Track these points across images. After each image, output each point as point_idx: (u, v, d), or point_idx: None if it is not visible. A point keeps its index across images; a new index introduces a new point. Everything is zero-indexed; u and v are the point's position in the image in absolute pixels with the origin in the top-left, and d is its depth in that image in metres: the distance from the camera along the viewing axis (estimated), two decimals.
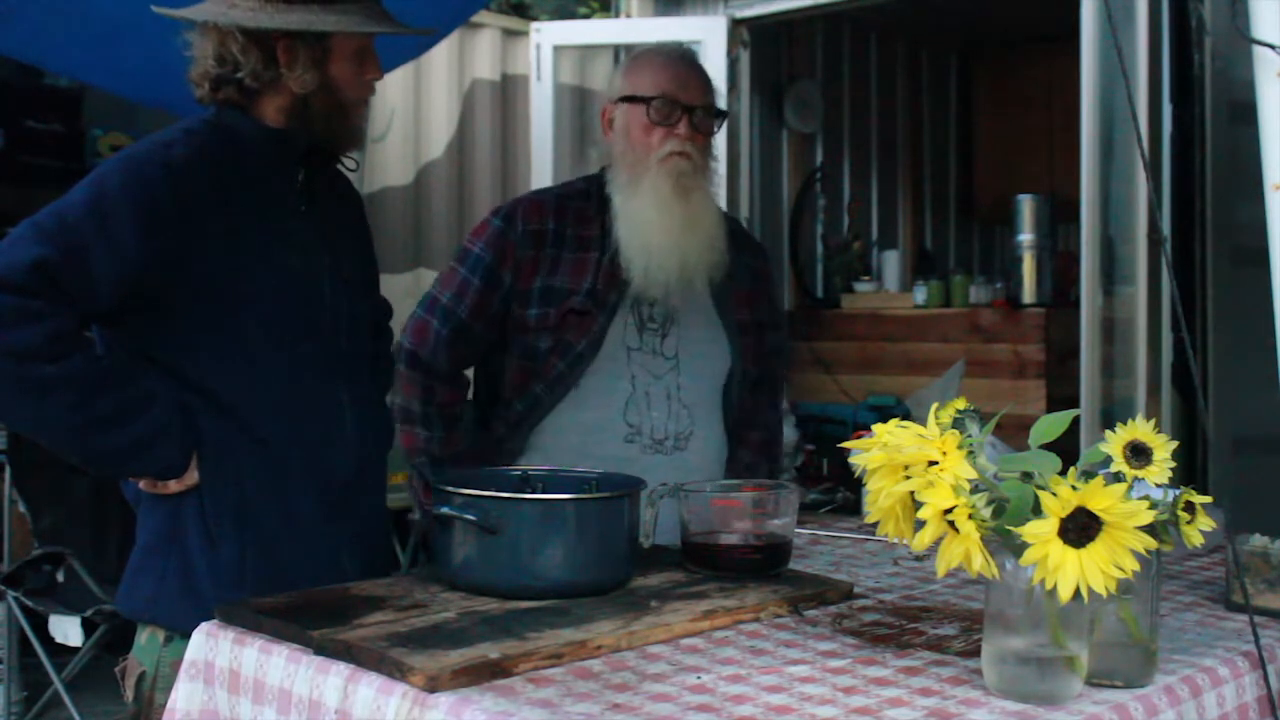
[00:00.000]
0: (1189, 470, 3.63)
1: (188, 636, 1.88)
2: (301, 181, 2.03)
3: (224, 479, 1.91)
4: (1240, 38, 1.61)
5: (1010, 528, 1.30)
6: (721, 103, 2.42)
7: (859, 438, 1.40)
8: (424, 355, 2.35)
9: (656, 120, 2.31)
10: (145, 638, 1.97)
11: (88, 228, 1.79)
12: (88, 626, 3.79)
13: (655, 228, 2.28)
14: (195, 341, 1.91)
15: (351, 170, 2.18)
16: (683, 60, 2.40)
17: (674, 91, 2.31)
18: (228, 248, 1.91)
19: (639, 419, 2.32)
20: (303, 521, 1.97)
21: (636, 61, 2.41)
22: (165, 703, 1.87)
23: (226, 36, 1.94)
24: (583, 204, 2.38)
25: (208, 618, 1.67)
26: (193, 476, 1.90)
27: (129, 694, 1.96)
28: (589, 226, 2.35)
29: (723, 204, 4.03)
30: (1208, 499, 1.43)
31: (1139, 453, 1.39)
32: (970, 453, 1.33)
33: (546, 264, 2.33)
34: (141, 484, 1.95)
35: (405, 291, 5.79)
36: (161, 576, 1.93)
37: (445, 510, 1.68)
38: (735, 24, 4.94)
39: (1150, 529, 1.28)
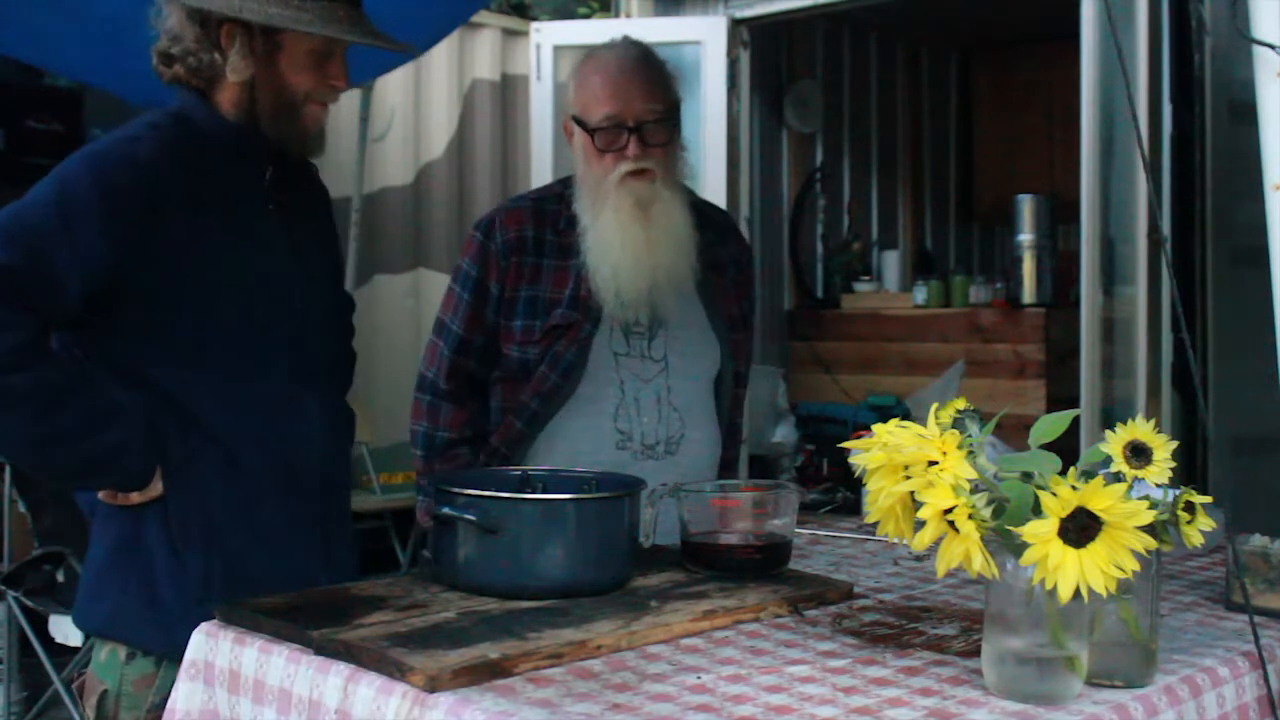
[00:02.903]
0: (1189, 470, 3.63)
1: (150, 654, 1.84)
2: (269, 180, 1.97)
3: (189, 489, 1.85)
4: (1240, 38, 1.61)
5: (1010, 528, 1.30)
6: (673, 95, 2.33)
7: (859, 438, 1.40)
8: (430, 376, 2.38)
9: (603, 148, 2.27)
10: (105, 654, 1.90)
11: (52, 230, 1.73)
12: None
13: (619, 250, 2.26)
14: (159, 345, 1.85)
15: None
16: (622, 70, 2.29)
17: (617, 111, 2.25)
18: (194, 249, 1.85)
19: (629, 425, 2.32)
20: (270, 530, 1.92)
21: (581, 75, 2.33)
22: None
23: (182, 12, 1.88)
24: (559, 208, 2.36)
25: (172, 633, 1.62)
26: (156, 487, 1.84)
27: (90, 713, 1.90)
28: (569, 233, 2.33)
29: (722, 204, 4.05)
30: (1208, 499, 1.43)
31: (1139, 453, 1.39)
32: (970, 453, 1.33)
33: (528, 272, 2.32)
34: (101, 495, 1.88)
35: (405, 291, 5.81)
36: (122, 591, 1.87)
37: (445, 510, 1.68)
38: (735, 24, 4.94)
39: (1150, 529, 1.28)
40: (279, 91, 1.93)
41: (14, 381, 1.70)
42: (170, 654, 1.76)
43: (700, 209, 2.44)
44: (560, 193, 2.39)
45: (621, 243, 2.26)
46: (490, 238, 2.35)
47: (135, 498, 1.85)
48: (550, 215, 2.36)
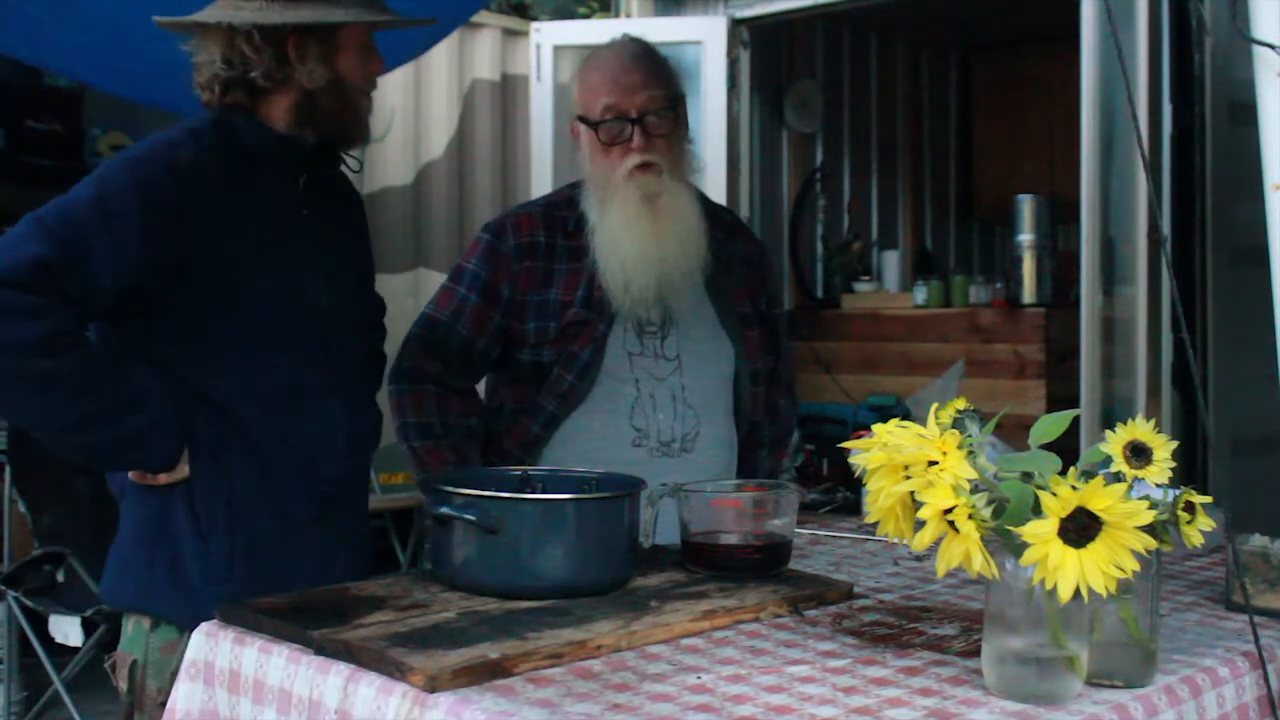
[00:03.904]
0: (1189, 470, 3.63)
1: (174, 622, 1.91)
2: (303, 185, 2.03)
3: (216, 475, 1.92)
4: (1240, 38, 1.61)
5: (1010, 528, 1.30)
6: (675, 88, 2.35)
7: (859, 438, 1.40)
8: (432, 370, 2.34)
9: (607, 141, 2.29)
10: (132, 627, 1.98)
11: (92, 228, 1.80)
12: (88, 626, 3.79)
13: (627, 244, 2.27)
14: (191, 342, 1.92)
15: (355, 171, 2.17)
16: (621, 64, 2.32)
17: (618, 103, 2.27)
18: (227, 250, 1.91)
19: (645, 423, 2.32)
20: (293, 520, 1.98)
21: (582, 73, 2.36)
22: (158, 687, 1.91)
23: (235, 37, 1.94)
24: (569, 212, 2.37)
25: (196, 609, 1.68)
26: (183, 470, 1.91)
27: (123, 685, 1.97)
28: (579, 236, 2.34)
29: (722, 203, 4.04)
30: (1208, 499, 1.43)
31: (1139, 453, 1.39)
32: (970, 453, 1.33)
33: (540, 276, 2.33)
34: (131, 475, 1.96)
35: (405, 291, 5.80)
36: (150, 567, 1.94)
37: (445, 510, 1.68)
38: (735, 24, 4.94)
39: (1150, 529, 1.28)
40: (342, 91, 2.01)
41: (50, 366, 1.77)
42: (194, 625, 1.81)
43: (708, 207, 2.45)
44: (570, 196, 2.40)
45: (629, 237, 2.27)
46: (501, 239, 2.35)
47: (163, 479, 1.92)
48: (560, 220, 2.38)
